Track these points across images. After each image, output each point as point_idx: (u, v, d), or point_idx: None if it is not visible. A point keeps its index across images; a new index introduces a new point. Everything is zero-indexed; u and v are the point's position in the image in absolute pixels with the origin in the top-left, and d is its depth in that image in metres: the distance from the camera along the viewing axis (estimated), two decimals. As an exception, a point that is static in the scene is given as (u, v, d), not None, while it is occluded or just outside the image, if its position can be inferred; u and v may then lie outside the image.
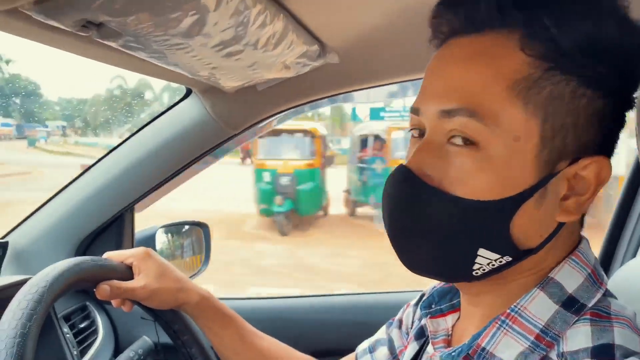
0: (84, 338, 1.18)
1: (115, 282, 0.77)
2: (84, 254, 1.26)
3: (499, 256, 0.50)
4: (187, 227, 1.60)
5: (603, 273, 0.55)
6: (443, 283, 0.68)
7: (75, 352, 1.11)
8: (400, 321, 0.77)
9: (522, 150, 0.48)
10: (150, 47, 0.68)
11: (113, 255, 0.82)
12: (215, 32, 0.66)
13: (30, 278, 0.70)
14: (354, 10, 0.83)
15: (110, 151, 1.18)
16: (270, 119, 1.09)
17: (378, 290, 1.44)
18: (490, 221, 0.49)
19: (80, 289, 1.09)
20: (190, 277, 1.52)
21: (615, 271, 0.93)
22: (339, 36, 0.90)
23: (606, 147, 0.52)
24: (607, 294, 0.53)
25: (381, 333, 0.80)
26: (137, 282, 0.79)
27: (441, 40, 0.55)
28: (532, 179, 0.49)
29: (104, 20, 0.60)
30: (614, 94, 0.50)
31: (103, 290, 0.75)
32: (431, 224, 0.51)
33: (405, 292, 1.40)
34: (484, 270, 0.51)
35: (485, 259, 0.50)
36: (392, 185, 0.53)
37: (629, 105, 0.53)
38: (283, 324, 1.34)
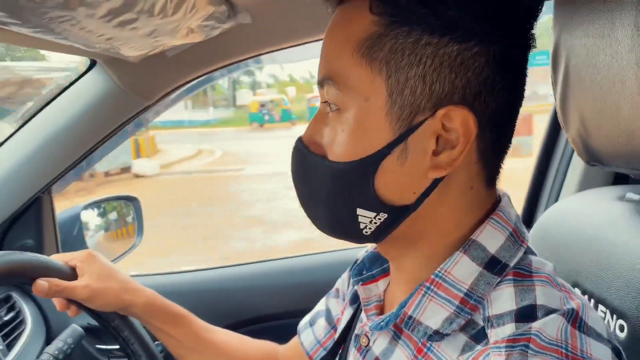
0: (11, 330, 1.12)
1: (54, 280, 0.74)
2: (1, 243, 1.18)
3: (374, 214, 0.52)
4: (114, 202, 1.54)
5: (525, 230, 0.55)
6: (373, 248, 0.67)
7: (0, 347, 1.05)
8: (337, 290, 0.77)
9: (373, 109, 0.49)
10: (29, 21, 0.61)
11: (56, 257, 0.78)
12: (99, 2, 0.59)
13: None
14: None
15: (15, 132, 1.09)
16: (185, 86, 1.03)
17: (321, 251, 1.43)
18: (354, 181, 0.51)
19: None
20: (125, 252, 1.47)
21: (539, 216, 0.96)
22: (248, -6, 0.84)
23: (478, 96, 0.49)
24: (528, 251, 0.54)
25: (320, 305, 0.80)
26: (78, 282, 0.76)
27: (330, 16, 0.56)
28: (388, 137, 0.49)
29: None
30: (475, 38, 0.48)
31: (40, 285, 0.73)
32: (314, 189, 0.54)
33: (347, 249, 1.40)
34: (371, 229, 0.53)
35: (365, 217, 0.52)
36: (291, 157, 0.57)
37: (514, 48, 0.50)
38: (212, 296, 1.32)
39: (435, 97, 0.48)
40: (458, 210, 0.53)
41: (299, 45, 0.99)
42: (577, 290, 0.76)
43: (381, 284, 0.64)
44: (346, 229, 0.54)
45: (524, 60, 0.52)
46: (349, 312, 0.69)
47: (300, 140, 0.56)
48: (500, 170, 0.55)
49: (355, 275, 0.65)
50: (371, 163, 0.50)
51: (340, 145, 0.51)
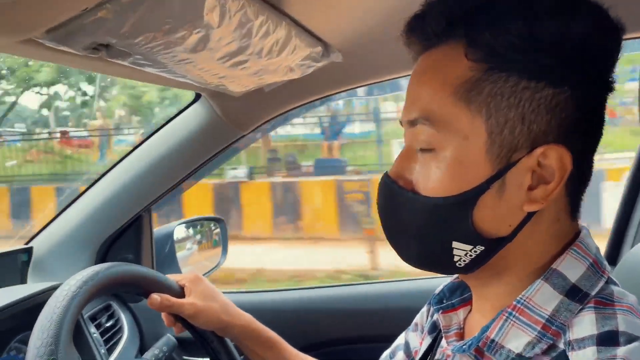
0: (110, 337, 1.23)
1: (166, 296, 0.83)
2: (104, 257, 1.30)
3: (471, 247, 0.54)
4: (204, 222, 1.64)
5: (605, 262, 0.57)
6: (454, 278, 0.70)
7: (103, 351, 1.15)
8: (416, 324, 0.79)
9: (473, 147, 0.53)
10: (158, 63, 0.71)
11: (169, 276, 0.88)
12: (219, 46, 0.68)
13: (59, 285, 0.75)
14: (354, 9, 0.84)
15: (126, 155, 1.21)
16: (278, 117, 1.11)
17: (389, 279, 1.45)
18: (452, 215, 0.54)
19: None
20: (210, 270, 1.56)
21: (624, 255, 0.94)
22: (341, 35, 0.91)
23: (570, 135, 0.52)
24: (610, 281, 0.55)
25: (400, 339, 0.82)
26: (186, 300, 0.84)
27: (415, 59, 0.60)
28: (487, 173, 0.52)
29: (112, 43, 0.62)
30: (567, 82, 0.51)
31: (154, 299, 0.81)
32: (407, 223, 0.57)
33: (417, 279, 1.42)
34: (465, 261, 0.55)
35: (461, 250, 0.55)
36: (377, 191, 0.60)
37: (599, 91, 0.54)
38: (289, 316, 1.37)
39: (533, 137, 0.52)
40: (544, 241, 0.55)
41: (385, 80, 1.05)
42: None
43: (461, 313, 0.66)
44: (438, 261, 0.57)
45: (604, 103, 0.56)
46: (427, 341, 0.71)
47: (387, 176, 0.58)
48: (582, 202, 0.57)
49: (436, 304, 0.68)
50: (471, 197, 0.53)
51: (435, 181, 0.54)
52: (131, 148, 1.20)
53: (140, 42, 0.63)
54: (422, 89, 0.56)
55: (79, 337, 1.09)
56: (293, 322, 1.34)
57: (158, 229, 1.44)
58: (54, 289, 0.75)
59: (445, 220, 0.54)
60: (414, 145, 0.57)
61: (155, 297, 0.81)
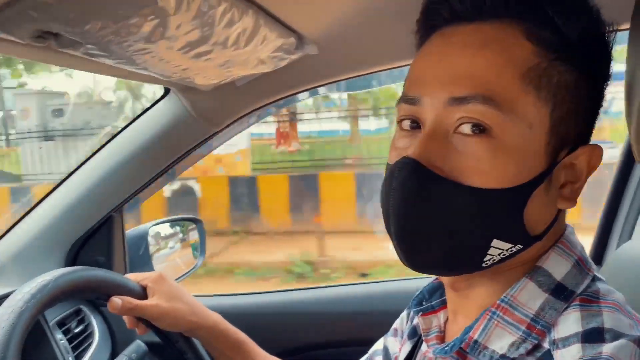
0: (80, 342, 1.18)
1: (127, 298, 0.78)
2: (74, 259, 1.25)
3: (511, 245, 0.50)
4: (180, 223, 1.60)
5: (590, 259, 0.55)
6: (434, 279, 0.67)
7: (70, 358, 1.11)
8: (395, 329, 0.77)
9: (535, 138, 0.49)
10: (114, 53, 0.66)
11: (129, 277, 0.84)
12: (179, 35, 0.63)
13: (13, 291, 0.70)
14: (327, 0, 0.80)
15: (93, 154, 1.16)
16: (252, 113, 1.07)
17: (372, 280, 1.42)
18: (506, 210, 0.49)
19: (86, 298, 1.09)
20: (187, 272, 1.51)
21: (610, 254, 0.91)
22: (316, 26, 0.87)
23: (590, 135, 0.54)
24: (596, 279, 0.54)
25: (378, 344, 0.80)
26: (149, 301, 0.80)
27: (434, 26, 0.54)
28: (542, 166, 0.50)
29: (60, 31, 0.57)
30: (597, 83, 0.53)
31: (115, 303, 0.77)
32: (446, 218, 0.49)
33: (398, 280, 1.39)
34: (494, 260, 0.51)
35: (498, 249, 0.50)
36: (398, 180, 0.50)
37: (603, 95, 0.55)
38: (273, 320, 1.33)
39: (579, 135, 0.52)
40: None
41: (364, 74, 1.01)
42: None
43: (441, 315, 0.64)
44: (464, 261, 0.52)
45: None
46: (408, 346, 0.69)
47: (415, 161, 0.49)
48: None
49: (415, 306, 0.65)
50: (526, 191, 0.49)
51: (488, 170, 0.48)
52: (99, 146, 1.15)
53: (91, 30, 0.58)
54: (479, 63, 0.49)
55: (43, 344, 1.04)
56: (272, 326, 1.30)
57: (131, 230, 1.39)
58: (5, 297, 0.70)
59: (497, 214, 0.49)
60: (446, 127, 0.50)
61: (116, 300, 0.77)
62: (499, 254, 0.51)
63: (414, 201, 0.50)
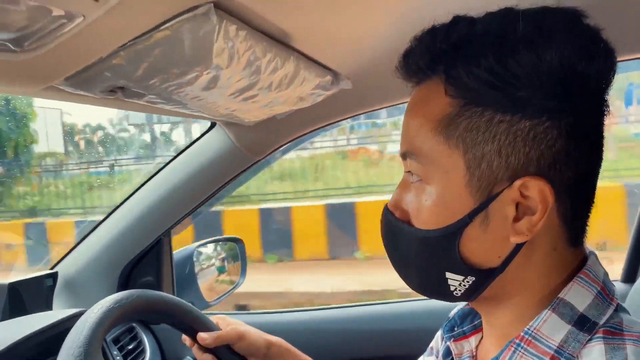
0: (133, 359, 1.26)
1: (211, 332, 0.87)
2: (127, 280, 1.34)
3: (462, 277, 0.55)
4: (223, 243, 1.67)
5: (614, 288, 0.56)
6: (465, 305, 0.71)
7: (125, 373, 1.19)
8: (432, 348, 0.80)
9: (453, 181, 0.54)
10: (172, 101, 0.74)
11: None
12: (230, 84, 0.71)
13: (84, 311, 0.78)
14: (362, 39, 0.86)
15: (145, 182, 1.25)
16: (290, 142, 1.14)
17: (403, 299, 1.45)
18: (440, 247, 0.55)
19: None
20: (229, 290, 1.58)
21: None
22: (350, 64, 0.94)
23: (555, 165, 0.52)
24: (619, 309, 0.55)
25: None
26: (229, 327, 0.89)
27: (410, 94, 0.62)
28: (470, 206, 0.53)
29: (127, 85, 0.65)
30: (545, 113, 0.51)
31: (204, 338, 0.87)
32: (404, 254, 0.59)
33: (426, 299, 1.41)
34: (460, 290, 0.56)
35: (454, 280, 0.56)
36: (380, 222, 0.62)
37: (588, 117, 0.53)
38: (300, 337, 1.38)
39: (512, 169, 0.52)
40: (543, 271, 0.55)
41: (393, 105, 1.07)
42: None
43: (473, 340, 0.66)
44: (438, 290, 0.58)
45: (599, 127, 0.55)
46: None
47: (386, 208, 0.60)
48: (585, 230, 0.56)
49: (447, 332, 0.68)
50: (454, 231, 0.54)
51: (424, 214, 0.56)
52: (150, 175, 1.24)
53: (154, 84, 0.66)
54: (409, 123, 0.58)
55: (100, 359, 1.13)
56: (310, 343, 1.35)
57: (178, 251, 1.47)
58: (79, 315, 0.78)
59: (434, 252, 0.56)
60: (408, 177, 0.59)
61: (204, 335, 0.86)
62: (460, 285, 0.56)
63: (387, 240, 0.61)
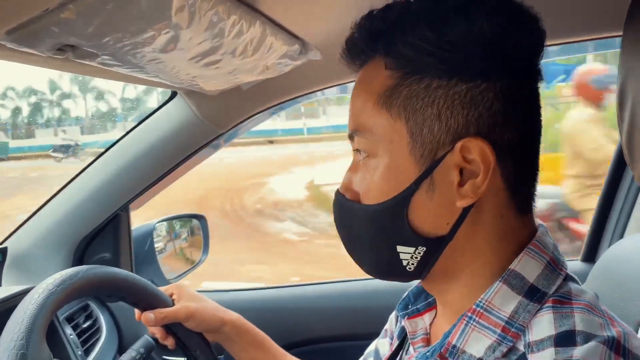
0: (88, 337, 1.21)
1: (157, 310, 0.84)
2: (82, 256, 1.28)
3: (413, 248, 0.55)
4: (185, 220, 1.63)
5: (563, 258, 0.57)
6: (419, 282, 0.70)
7: (79, 352, 1.14)
8: (386, 330, 0.79)
9: (398, 150, 0.55)
10: (128, 63, 0.69)
11: None
12: (190, 46, 0.66)
13: (31, 288, 0.73)
14: (332, 6, 0.83)
15: (102, 154, 1.19)
16: (257, 115, 1.10)
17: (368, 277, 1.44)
18: (389, 220, 0.55)
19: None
20: (191, 267, 1.55)
21: (603, 252, 0.95)
22: (319, 33, 0.90)
23: (494, 127, 0.53)
24: (568, 278, 0.56)
25: (371, 346, 0.82)
26: (177, 306, 0.85)
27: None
28: (415, 173, 0.54)
29: (78, 44, 0.60)
30: (480, 76, 0.53)
31: (149, 318, 0.83)
32: (355, 234, 0.59)
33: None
34: (413, 264, 0.56)
35: (406, 253, 0.56)
36: (332, 207, 0.62)
37: (522, 82, 0.55)
38: (278, 314, 1.36)
39: (452, 132, 0.53)
40: (492, 239, 0.55)
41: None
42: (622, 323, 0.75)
43: (427, 318, 0.66)
44: (390, 268, 0.58)
45: (534, 93, 0.57)
46: (395, 347, 0.71)
47: (338, 192, 0.61)
48: (533, 198, 0.58)
49: (401, 310, 0.68)
50: (402, 200, 0.55)
51: (372, 189, 0.56)
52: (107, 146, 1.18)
53: (107, 43, 0.61)
54: (354, 104, 0.59)
55: (54, 338, 1.08)
56: (271, 321, 1.33)
57: (137, 227, 1.42)
58: (27, 292, 0.73)
59: (384, 225, 0.56)
60: (356, 157, 0.60)
61: (149, 315, 0.83)
62: (412, 257, 0.56)
63: (339, 224, 0.61)
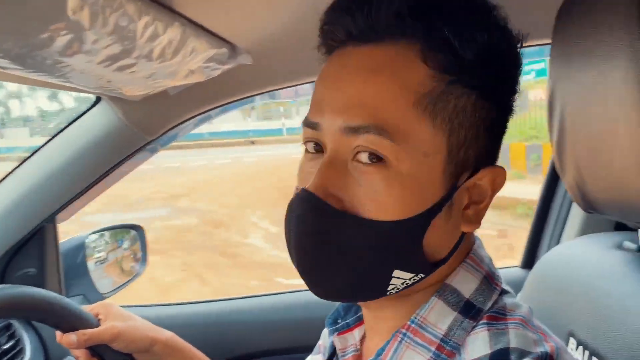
0: (10, 359, 1.13)
1: (80, 331, 0.76)
2: (3, 272, 1.19)
3: (412, 275, 0.50)
4: (120, 230, 1.55)
5: (498, 272, 0.55)
6: None
7: (-2, 377, 1.06)
8: (319, 346, 0.76)
9: (431, 166, 0.48)
10: (28, 66, 0.63)
11: None
12: (97, 49, 0.61)
13: None
14: (260, 9, 0.79)
15: (22, 163, 1.11)
16: (188, 122, 1.04)
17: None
18: (403, 241, 0.48)
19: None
20: (129, 280, 1.47)
21: (540, 258, 0.95)
22: (249, 36, 0.86)
23: (495, 155, 0.53)
24: (503, 292, 0.54)
25: None
26: (103, 326, 0.77)
27: (333, 47, 0.52)
28: (441, 194, 0.48)
29: (-36, 44, 0.54)
30: (500, 102, 0.51)
31: (69, 339, 0.75)
32: (344, 252, 0.48)
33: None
34: (397, 289, 0.51)
35: (400, 279, 0.49)
36: (296, 213, 0.49)
37: (511, 111, 0.54)
38: (217, 329, 1.31)
39: (481, 157, 0.50)
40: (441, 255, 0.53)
41: (298, 85, 1.01)
42: (572, 341, 0.75)
43: (357, 333, 0.62)
44: (367, 291, 0.51)
45: None
46: None
47: (308, 193, 0.48)
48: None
49: (330, 325, 0.63)
50: (424, 221, 0.48)
51: (385, 202, 0.47)
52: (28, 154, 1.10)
53: (1, 44, 0.55)
54: (371, 91, 0.47)
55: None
56: (210, 336, 1.28)
57: (67, 240, 1.34)
58: None
59: (395, 247, 0.48)
60: (345, 155, 0.48)
61: (70, 337, 0.75)
62: (402, 283, 0.50)
63: (312, 237, 0.49)
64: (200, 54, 0.78)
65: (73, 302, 0.78)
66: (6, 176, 1.12)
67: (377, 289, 0.50)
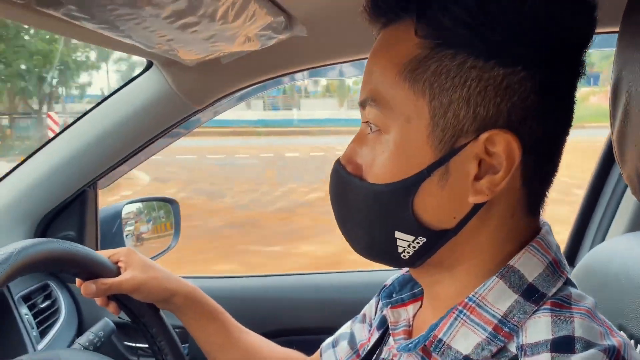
0: (45, 318, 1.15)
1: (100, 280, 0.77)
2: (43, 233, 1.22)
3: (413, 237, 0.51)
4: (156, 203, 1.57)
5: (565, 261, 0.53)
6: (405, 271, 0.66)
7: (34, 334, 1.08)
8: (364, 315, 0.75)
9: (415, 131, 0.49)
10: (96, 17, 0.63)
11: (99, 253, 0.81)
12: (166, 3, 0.61)
13: None
14: None
15: (70, 125, 1.13)
16: (235, 94, 1.04)
17: (353, 269, 1.41)
18: (393, 203, 0.51)
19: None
20: (161, 253, 1.49)
21: (583, 256, 0.92)
22: (306, 7, 0.85)
23: (525, 121, 0.48)
24: (568, 282, 0.52)
25: (345, 327, 0.78)
26: (124, 276, 0.78)
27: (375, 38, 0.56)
28: (430, 158, 0.49)
29: (40, -13, 0.55)
30: (522, 62, 0.47)
31: (89, 288, 0.76)
32: (353, 211, 0.54)
33: (379, 271, 1.38)
34: (408, 252, 0.52)
35: (404, 241, 0.52)
36: (330, 176, 0.57)
37: (564, 74, 0.50)
38: (252, 304, 1.32)
39: (479, 121, 0.48)
40: (498, 238, 0.51)
41: (351, 61, 1.00)
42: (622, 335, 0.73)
43: (410, 309, 0.62)
44: (384, 252, 0.54)
45: (572, 88, 0.51)
46: (375, 337, 0.68)
47: (338, 162, 0.56)
48: (545, 199, 0.53)
49: (385, 298, 0.64)
50: (410, 185, 0.50)
51: (379, 167, 0.51)
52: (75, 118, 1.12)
53: (72, -11, 0.56)
54: (372, 69, 0.53)
55: (6, 318, 1.01)
56: (243, 310, 1.29)
57: (105, 207, 1.36)
58: None
59: (387, 208, 0.51)
60: (365, 128, 0.54)
61: (89, 285, 0.75)
62: (409, 246, 0.52)
63: (335, 196, 0.57)
64: (258, 20, 0.77)
65: (92, 250, 0.78)
66: (53, 138, 1.14)
67: (390, 251, 0.53)
